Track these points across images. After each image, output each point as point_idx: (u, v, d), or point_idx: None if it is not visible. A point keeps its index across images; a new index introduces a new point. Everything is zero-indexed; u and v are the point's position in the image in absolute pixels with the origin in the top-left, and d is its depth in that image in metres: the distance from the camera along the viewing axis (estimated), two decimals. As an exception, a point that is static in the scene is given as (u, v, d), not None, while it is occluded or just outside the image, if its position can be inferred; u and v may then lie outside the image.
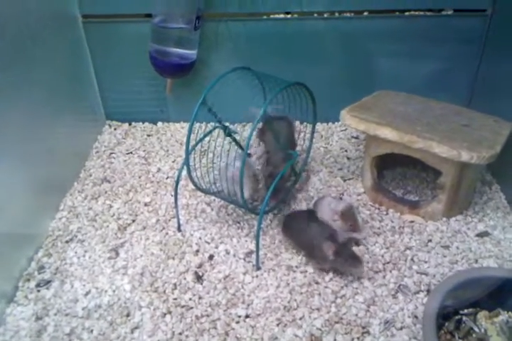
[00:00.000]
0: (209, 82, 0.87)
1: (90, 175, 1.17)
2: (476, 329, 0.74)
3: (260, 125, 1.06)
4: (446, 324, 0.74)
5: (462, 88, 1.25)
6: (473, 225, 1.00)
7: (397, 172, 1.14)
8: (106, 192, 1.11)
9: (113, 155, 1.24)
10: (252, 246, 0.94)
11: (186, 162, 0.90)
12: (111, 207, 1.06)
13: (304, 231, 0.90)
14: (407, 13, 1.18)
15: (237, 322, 0.81)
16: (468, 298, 0.76)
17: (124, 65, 1.27)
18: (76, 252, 0.95)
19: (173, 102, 1.33)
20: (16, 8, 0.92)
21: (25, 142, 0.95)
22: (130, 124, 1.38)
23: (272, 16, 1.20)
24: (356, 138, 1.29)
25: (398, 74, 1.23)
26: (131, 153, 1.25)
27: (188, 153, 0.89)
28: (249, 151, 1.02)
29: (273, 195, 0.91)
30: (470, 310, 0.76)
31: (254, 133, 0.87)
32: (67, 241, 0.97)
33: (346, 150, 1.24)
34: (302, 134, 1.10)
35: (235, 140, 0.98)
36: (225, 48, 1.23)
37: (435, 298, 0.72)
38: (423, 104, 1.06)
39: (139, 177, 1.16)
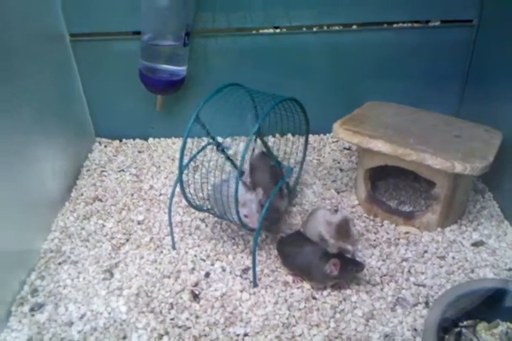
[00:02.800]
0: (199, 97, 0.87)
1: (82, 194, 1.15)
2: (477, 342, 0.74)
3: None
4: (447, 337, 0.74)
5: (451, 97, 1.27)
6: (468, 234, 1.00)
7: (390, 183, 1.14)
8: (98, 212, 1.09)
9: (104, 173, 1.23)
10: (249, 262, 0.94)
11: (180, 179, 0.89)
12: (104, 226, 1.05)
13: (297, 255, 0.89)
14: (395, 25, 1.19)
15: (236, 341, 0.80)
16: (467, 310, 0.75)
17: (113, 83, 1.26)
18: (69, 274, 0.93)
19: (163, 118, 1.32)
20: (1, 27, 0.91)
21: (14, 162, 0.93)
22: (121, 141, 1.37)
23: (260, 31, 1.20)
24: (348, 149, 1.29)
25: (388, 85, 1.23)
26: (122, 170, 1.24)
27: (181, 169, 0.88)
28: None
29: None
30: (469, 321, 0.76)
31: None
32: (60, 263, 0.96)
33: (339, 162, 1.24)
34: (294, 146, 1.10)
35: (228, 157, 0.98)
36: (215, 64, 1.23)
37: (435, 311, 0.72)
38: (414, 115, 1.06)
39: (132, 195, 1.15)
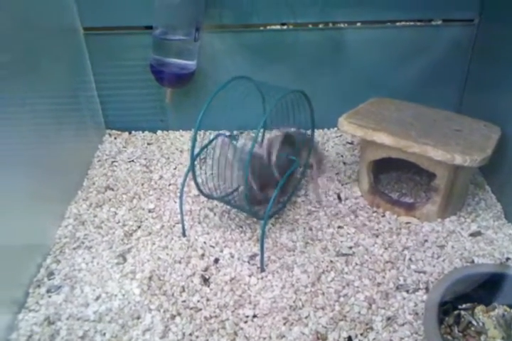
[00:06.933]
0: (208, 91, 0.90)
1: (93, 184, 1.19)
2: (475, 323, 0.77)
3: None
4: (446, 319, 0.78)
5: (452, 94, 1.31)
6: (466, 225, 1.04)
7: (392, 176, 1.18)
8: (110, 200, 1.13)
9: (115, 163, 1.27)
10: (256, 250, 0.98)
11: (192, 167, 0.93)
12: (116, 214, 1.09)
13: None
14: (398, 24, 1.23)
15: (245, 322, 0.84)
16: (466, 294, 0.79)
17: (124, 76, 1.30)
18: (84, 258, 0.97)
19: (172, 111, 1.36)
20: (17, 22, 0.94)
21: (28, 152, 0.97)
22: (130, 133, 1.40)
23: (268, 27, 1.24)
24: (351, 143, 1.33)
25: (391, 81, 1.28)
26: (132, 161, 1.28)
27: (193, 158, 0.92)
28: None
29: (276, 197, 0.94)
30: (468, 305, 0.80)
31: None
32: (74, 248, 1.00)
33: (342, 156, 1.28)
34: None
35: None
36: (224, 59, 1.27)
37: (435, 293, 0.76)
38: (416, 110, 1.10)
39: (142, 184, 1.18)
